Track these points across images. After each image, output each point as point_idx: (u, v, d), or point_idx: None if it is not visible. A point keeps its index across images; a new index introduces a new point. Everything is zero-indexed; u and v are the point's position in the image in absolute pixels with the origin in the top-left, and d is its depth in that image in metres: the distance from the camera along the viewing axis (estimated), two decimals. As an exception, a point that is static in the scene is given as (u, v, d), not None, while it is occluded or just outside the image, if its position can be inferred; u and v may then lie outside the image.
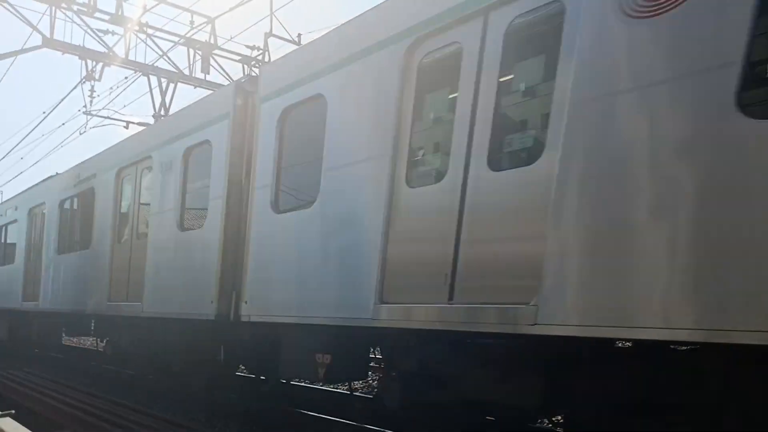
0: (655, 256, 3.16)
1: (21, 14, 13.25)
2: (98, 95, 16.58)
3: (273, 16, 14.07)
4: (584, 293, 3.46)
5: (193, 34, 14.86)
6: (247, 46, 15.60)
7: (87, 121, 15.34)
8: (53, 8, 13.17)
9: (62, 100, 18.10)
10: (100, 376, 11.00)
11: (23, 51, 13.86)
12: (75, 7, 13.37)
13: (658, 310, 3.14)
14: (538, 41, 4.08)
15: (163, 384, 9.38)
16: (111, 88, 28.52)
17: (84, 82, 15.17)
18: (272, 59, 14.41)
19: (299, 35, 14.87)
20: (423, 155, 4.74)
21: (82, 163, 11.30)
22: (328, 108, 5.45)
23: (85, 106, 15.59)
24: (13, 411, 1.82)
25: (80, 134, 17.10)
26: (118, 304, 9.05)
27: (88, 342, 16.41)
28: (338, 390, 9.20)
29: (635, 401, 3.69)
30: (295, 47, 13.78)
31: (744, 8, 2.94)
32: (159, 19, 41.12)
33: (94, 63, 14.72)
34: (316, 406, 7.64)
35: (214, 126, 7.13)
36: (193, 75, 15.31)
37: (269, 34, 14.62)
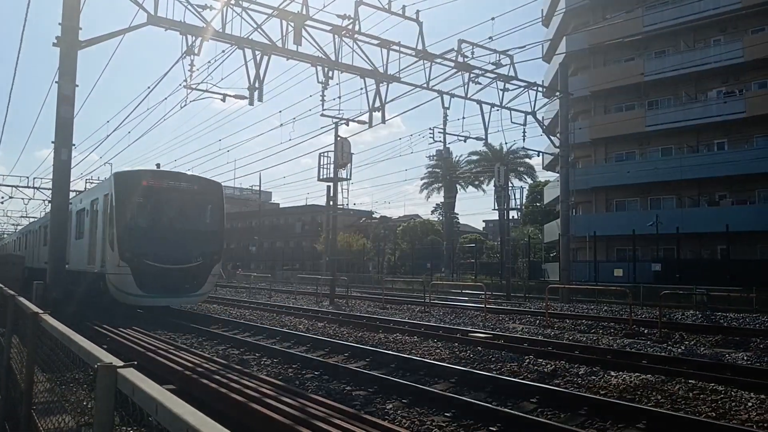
0: None
1: (128, -8, 13.95)
2: (197, 69, 17.24)
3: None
4: None
5: (286, 6, 14.99)
6: (339, 16, 15.54)
7: (187, 94, 15.99)
8: (156, -15, 13.74)
9: (165, 74, 19.27)
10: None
11: (130, 29, 14.59)
12: (175, -17, 13.87)
13: None
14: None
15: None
16: (209, 62, 29.57)
17: (184, 57, 15.79)
18: (362, 28, 14.26)
19: (389, 2, 14.60)
20: None
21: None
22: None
23: (185, 80, 16.24)
24: (136, 362, 1.78)
25: (181, 107, 17.88)
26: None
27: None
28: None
29: None
30: (386, 15, 13.53)
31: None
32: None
33: (194, 38, 15.26)
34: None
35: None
36: (286, 47, 15.51)
37: (360, 2, 14.46)
